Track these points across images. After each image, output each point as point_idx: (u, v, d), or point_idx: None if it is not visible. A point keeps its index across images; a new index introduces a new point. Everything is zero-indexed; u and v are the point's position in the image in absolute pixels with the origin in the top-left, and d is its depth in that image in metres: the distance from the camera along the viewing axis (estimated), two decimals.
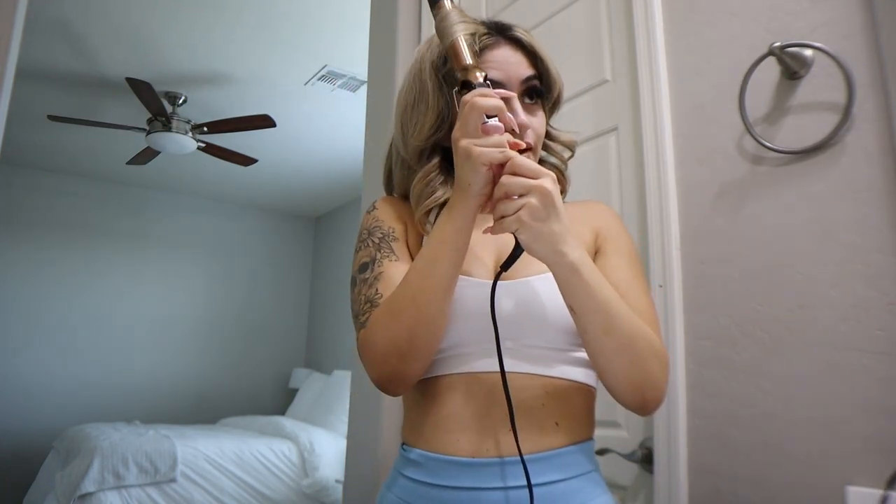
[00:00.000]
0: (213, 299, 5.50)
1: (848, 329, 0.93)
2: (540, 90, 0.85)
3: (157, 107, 3.43)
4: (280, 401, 5.64)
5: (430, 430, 0.76)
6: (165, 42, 3.19)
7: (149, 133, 3.70)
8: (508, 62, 0.82)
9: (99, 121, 3.66)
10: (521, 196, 0.67)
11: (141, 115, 3.72)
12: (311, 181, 5.13)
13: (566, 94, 1.49)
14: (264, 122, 3.48)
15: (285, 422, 4.31)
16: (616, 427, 1.28)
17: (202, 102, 3.79)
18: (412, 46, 1.87)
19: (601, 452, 1.23)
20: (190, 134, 3.74)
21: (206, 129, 3.71)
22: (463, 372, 0.76)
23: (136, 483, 3.33)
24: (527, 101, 0.84)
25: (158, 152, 3.92)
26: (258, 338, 5.63)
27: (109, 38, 3.14)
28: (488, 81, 0.74)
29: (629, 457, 1.21)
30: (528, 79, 0.83)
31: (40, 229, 4.88)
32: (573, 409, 0.79)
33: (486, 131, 0.69)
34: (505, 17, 1.71)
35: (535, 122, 0.83)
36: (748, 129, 1.07)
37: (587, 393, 0.82)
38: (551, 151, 0.91)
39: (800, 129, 1.02)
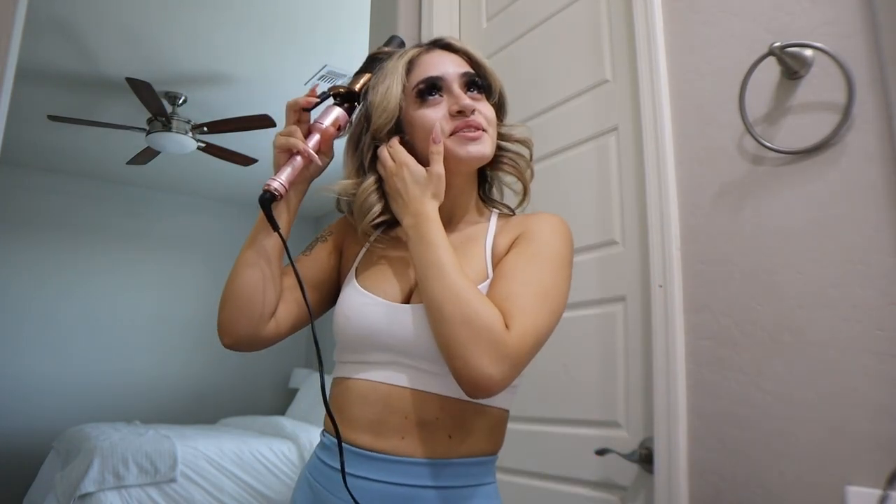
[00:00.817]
0: (213, 299, 5.32)
1: (848, 329, 0.93)
2: (479, 82, 0.90)
3: (157, 107, 3.43)
4: (280, 401, 5.64)
5: (339, 423, 0.84)
6: (165, 42, 3.19)
7: (149, 133, 3.70)
8: (441, 61, 0.89)
9: (99, 121, 3.66)
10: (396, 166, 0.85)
11: (141, 115, 3.72)
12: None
13: (565, 94, 1.50)
14: (264, 122, 3.48)
15: (285, 422, 4.31)
16: (616, 427, 1.28)
17: (202, 102, 3.79)
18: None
19: (601, 452, 1.24)
20: (190, 134, 3.74)
21: (206, 129, 3.71)
22: (362, 378, 0.84)
23: (136, 483, 3.33)
24: (470, 93, 0.89)
25: (158, 152, 3.92)
26: None
27: (109, 38, 3.14)
28: (326, 94, 0.89)
29: (629, 457, 1.21)
30: (465, 74, 0.89)
31: (40, 229, 4.88)
32: (469, 425, 0.83)
33: (311, 129, 0.87)
34: (505, 17, 1.72)
35: (481, 106, 0.88)
36: (748, 129, 1.07)
37: (485, 413, 0.85)
38: (505, 151, 0.93)
39: (800, 129, 1.02)
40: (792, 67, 1.03)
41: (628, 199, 1.32)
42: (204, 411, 5.19)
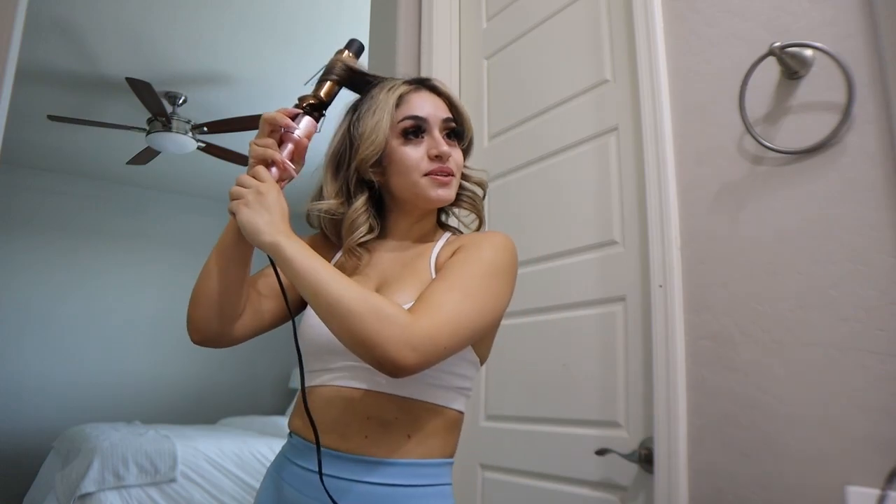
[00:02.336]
0: None
1: (848, 329, 0.93)
2: (457, 130, 0.98)
3: (157, 107, 3.43)
4: (280, 401, 5.64)
5: (305, 425, 0.89)
6: (165, 42, 3.19)
7: (149, 133, 3.70)
8: (427, 103, 0.96)
9: (99, 121, 3.66)
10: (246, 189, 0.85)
11: (141, 115, 3.72)
12: (311, 181, 5.12)
13: (565, 93, 1.51)
14: None
15: (285, 422, 4.30)
16: (616, 427, 1.28)
17: (202, 102, 3.79)
18: (412, 45, 1.87)
19: (601, 452, 1.24)
20: (190, 134, 3.74)
21: (206, 129, 3.71)
22: (327, 385, 0.90)
23: (136, 483, 3.33)
24: (447, 138, 0.96)
25: (158, 152, 3.92)
26: (258, 338, 5.60)
27: (109, 38, 3.14)
28: (306, 106, 0.92)
29: (629, 457, 1.21)
30: (447, 119, 0.97)
31: (40, 229, 4.88)
32: (425, 425, 0.88)
33: (284, 139, 0.90)
34: (505, 17, 1.72)
35: (455, 154, 0.96)
36: (748, 129, 1.07)
37: (441, 414, 0.89)
38: (465, 191, 1.02)
39: (800, 129, 1.02)
40: (792, 67, 1.03)
41: (628, 199, 1.32)
42: (204, 411, 5.20)
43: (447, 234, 1.01)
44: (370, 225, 0.97)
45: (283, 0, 2.86)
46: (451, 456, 0.93)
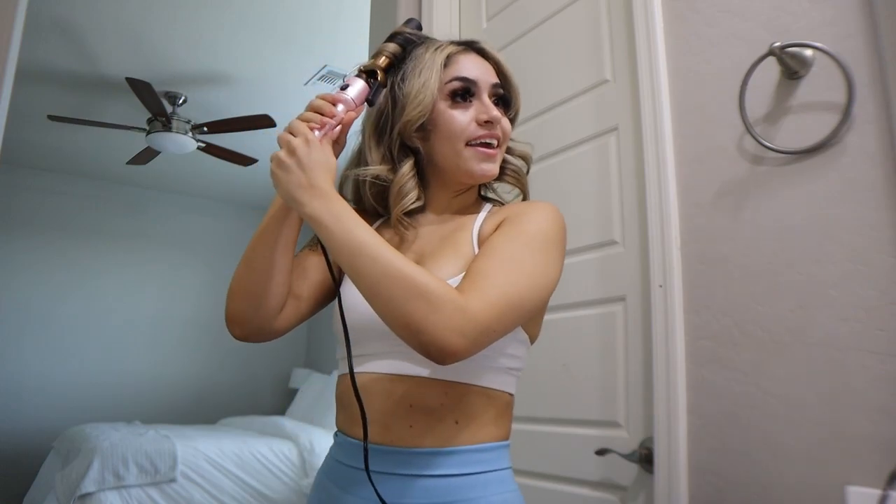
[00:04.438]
0: (213, 299, 5.46)
1: (848, 329, 0.93)
2: (505, 97, 0.93)
3: (157, 107, 3.42)
4: (280, 401, 5.64)
5: (346, 419, 0.86)
6: (165, 42, 3.19)
7: (149, 133, 3.69)
8: (476, 65, 0.91)
9: (99, 121, 3.66)
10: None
11: (141, 115, 3.72)
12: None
13: (565, 94, 1.51)
14: (264, 122, 3.48)
15: (285, 422, 4.31)
16: (616, 427, 1.28)
17: (202, 102, 3.79)
18: None
19: (601, 452, 1.24)
20: (190, 134, 3.74)
21: (206, 129, 3.71)
22: (364, 371, 0.84)
23: (136, 483, 3.33)
24: (496, 105, 0.91)
25: (158, 152, 3.92)
26: None
27: (109, 38, 3.14)
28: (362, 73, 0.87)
29: (629, 457, 1.21)
30: (496, 85, 0.92)
31: (40, 229, 4.88)
32: (473, 409, 0.83)
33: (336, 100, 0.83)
34: (505, 17, 1.72)
35: (504, 122, 0.91)
36: (748, 129, 1.07)
37: (489, 397, 0.84)
38: (508, 164, 0.96)
39: (800, 129, 1.02)
40: (792, 67, 1.03)
41: (628, 199, 1.32)
42: (204, 411, 5.19)
43: (489, 206, 0.95)
44: (418, 192, 0.90)
45: (283, 0, 2.86)
46: (506, 438, 0.87)
